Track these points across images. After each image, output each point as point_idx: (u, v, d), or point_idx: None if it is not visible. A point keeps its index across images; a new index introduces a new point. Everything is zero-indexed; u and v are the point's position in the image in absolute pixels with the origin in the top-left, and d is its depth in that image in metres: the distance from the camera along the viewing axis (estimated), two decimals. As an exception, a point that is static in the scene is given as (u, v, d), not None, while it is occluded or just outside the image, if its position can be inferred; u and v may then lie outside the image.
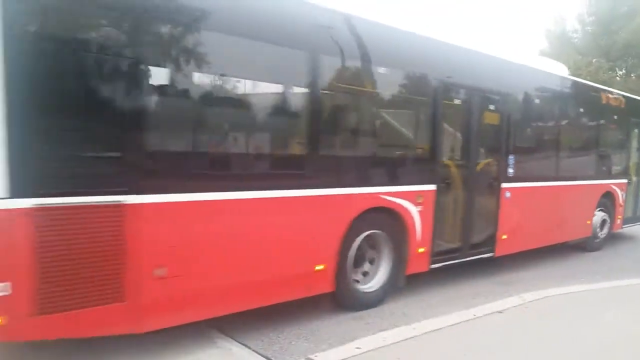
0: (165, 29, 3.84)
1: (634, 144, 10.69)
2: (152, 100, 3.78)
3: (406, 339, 4.53)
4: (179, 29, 3.93)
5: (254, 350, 4.31)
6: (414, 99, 6.06)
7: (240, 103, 4.56)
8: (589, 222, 9.29)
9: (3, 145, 3.07)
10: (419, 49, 5.93)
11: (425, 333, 4.73)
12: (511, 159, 7.17)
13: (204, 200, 4.02)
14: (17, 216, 3.19)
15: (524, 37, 75.51)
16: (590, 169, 9.36)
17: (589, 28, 40.45)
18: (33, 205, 3.23)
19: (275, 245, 4.52)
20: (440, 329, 4.85)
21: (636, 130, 10.74)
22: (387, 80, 5.67)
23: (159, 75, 3.80)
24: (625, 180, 10.23)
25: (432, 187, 6.00)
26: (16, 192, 3.17)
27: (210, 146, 4.29)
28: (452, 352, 4.35)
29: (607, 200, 9.70)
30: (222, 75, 4.28)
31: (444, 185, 6.21)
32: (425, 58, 5.97)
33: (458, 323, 5.01)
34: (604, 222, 9.68)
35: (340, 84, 5.12)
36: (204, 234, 4.04)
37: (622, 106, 10.16)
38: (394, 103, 5.93)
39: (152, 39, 3.72)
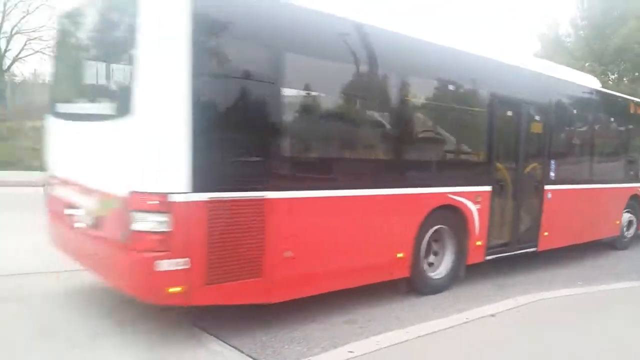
0: (300, 63, 4.92)
1: None
2: (286, 120, 4.84)
3: (399, 343, 4.51)
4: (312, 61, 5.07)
5: (246, 354, 4.24)
6: (478, 112, 6.98)
7: (348, 122, 5.65)
8: (617, 222, 10.04)
9: (188, 153, 4.04)
10: (487, 72, 6.96)
11: (418, 337, 4.69)
12: (552, 163, 8.00)
13: (318, 197, 4.98)
14: (196, 206, 4.07)
15: (517, 39, 75.77)
16: (620, 173, 10.18)
17: (581, 32, 40.78)
18: (207, 198, 4.14)
19: (369, 235, 5.44)
20: (434, 332, 4.85)
21: None
22: (460, 99, 6.76)
23: (292, 102, 4.95)
24: None
25: (489, 188, 6.89)
26: (195, 188, 4.07)
27: (324, 154, 5.38)
28: (443, 357, 4.45)
29: (634, 202, 10.46)
30: (335, 98, 5.49)
31: (498, 186, 7.08)
32: (490, 78, 6.93)
33: (451, 327, 5.01)
34: (630, 222, 10.44)
35: (425, 102, 6.35)
36: (317, 225, 5.00)
37: None
38: (463, 117, 6.92)
39: (290, 72, 4.73)
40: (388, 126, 5.90)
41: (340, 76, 5.32)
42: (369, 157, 5.76)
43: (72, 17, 5.32)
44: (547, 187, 7.87)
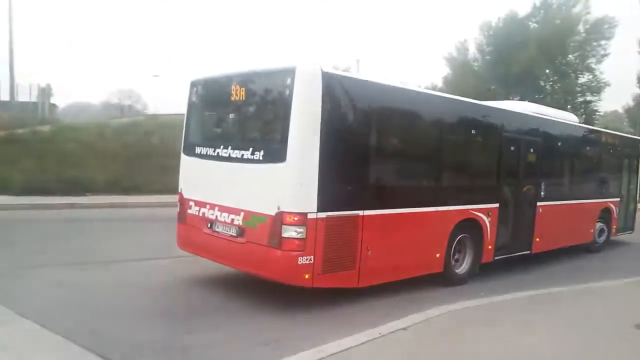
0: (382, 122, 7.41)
1: (626, 172, 14.10)
2: (371, 164, 7.13)
3: None
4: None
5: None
6: (491, 149, 9.46)
7: (408, 162, 7.97)
8: (592, 230, 12.48)
9: (317, 187, 6.15)
10: (501, 120, 9.43)
11: (332, 355, 4.69)
12: (543, 185, 10.35)
13: (389, 213, 7.18)
14: (319, 221, 6.20)
15: (427, 62, 79.43)
16: (594, 191, 12.57)
17: (488, 57, 43.70)
18: (326, 215, 6.27)
19: (419, 239, 7.69)
20: (347, 349, 4.88)
21: (626, 160, 14.19)
22: (481, 142, 9.42)
23: (375, 151, 7.26)
24: (618, 199, 13.44)
25: (497, 204, 9.14)
26: (320, 209, 6.20)
27: (393, 184, 7.61)
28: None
29: (605, 214, 12.93)
30: (400, 147, 7.96)
31: (503, 203, 9.32)
32: (502, 124, 9.39)
33: (364, 342, 5.10)
34: (602, 230, 12.85)
35: (456, 147, 8.78)
36: (387, 232, 7.13)
37: (617, 142, 13.98)
38: (481, 154, 9.46)
39: (375, 130, 7.22)
40: (433, 164, 8.30)
41: (404, 132, 7.92)
42: (421, 185, 8.27)
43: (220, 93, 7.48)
44: (539, 203, 10.24)
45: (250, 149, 6.62)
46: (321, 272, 6.26)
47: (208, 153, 7.25)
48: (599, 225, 12.73)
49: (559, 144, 11.16)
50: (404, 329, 5.63)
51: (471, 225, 8.53)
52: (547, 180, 10.54)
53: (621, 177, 13.84)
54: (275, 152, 6.27)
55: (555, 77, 42.91)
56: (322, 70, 6.16)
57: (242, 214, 6.59)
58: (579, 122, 13.04)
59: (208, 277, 7.92)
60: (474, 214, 8.60)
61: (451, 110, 8.50)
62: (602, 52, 41.25)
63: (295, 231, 6.04)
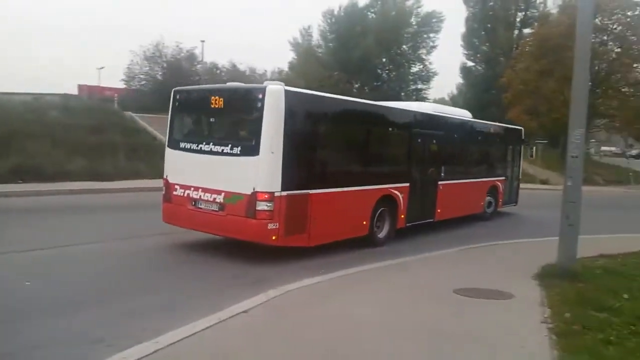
0: (325, 127, 9.81)
1: (510, 156, 17.13)
2: (320, 158, 9.50)
3: (149, 355, 4.37)
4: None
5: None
6: (404, 141, 11.79)
7: (341, 154, 10.42)
8: (482, 203, 15.29)
9: (280, 174, 8.21)
10: (411, 119, 12.04)
11: (170, 345, 4.59)
12: (443, 168, 12.84)
13: (328, 192, 9.28)
14: (282, 198, 8.19)
15: (274, 47, 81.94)
16: (484, 172, 15.48)
17: (330, 44, 45.78)
18: (286, 194, 8.27)
19: (352, 210, 9.82)
20: (186, 337, 4.78)
21: (510, 146, 17.15)
22: (397, 136, 11.81)
23: (321, 148, 9.59)
24: (504, 178, 16.48)
25: (408, 184, 11.49)
26: (282, 189, 8.20)
27: (331, 171, 9.77)
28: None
29: (493, 190, 15.88)
30: (336, 142, 10.28)
31: (413, 183, 11.56)
32: (412, 122, 11.93)
33: (204, 329, 5.02)
34: (490, 203, 15.78)
35: (379, 140, 11.25)
36: (324, 206, 9.08)
37: (502, 132, 17.08)
38: (397, 145, 11.84)
39: (321, 132, 9.54)
40: (360, 154, 10.64)
41: (339, 132, 10.17)
42: (352, 170, 10.32)
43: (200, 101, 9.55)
44: (439, 182, 12.74)
45: (229, 145, 8.60)
46: (284, 235, 8.37)
47: (192, 147, 9.17)
48: (487, 199, 15.65)
49: (455, 135, 13.75)
50: (245, 311, 5.68)
51: (389, 200, 10.80)
52: (446, 164, 13.02)
53: (506, 160, 16.92)
54: (250, 148, 8.32)
55: (391, 66, 45.99)
56: (284, 89, 8.31)
57: (223, 193, 8.57)
58: (472, 118, 15.80)
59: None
60: (391, 191, 10.90)
61: (372, 113, 11.05)
62: (431, 44, 45.39)
63: (266, 205, 8.15)
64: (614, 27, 38.81)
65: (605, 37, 39.06)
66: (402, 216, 11.20)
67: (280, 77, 40.80)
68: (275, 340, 5.05)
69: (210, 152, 8.79)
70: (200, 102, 9.56)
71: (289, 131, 8.23)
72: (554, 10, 45.15)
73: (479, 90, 50.46)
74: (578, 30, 7.85)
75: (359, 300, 6.47)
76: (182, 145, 9.39)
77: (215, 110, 8.98)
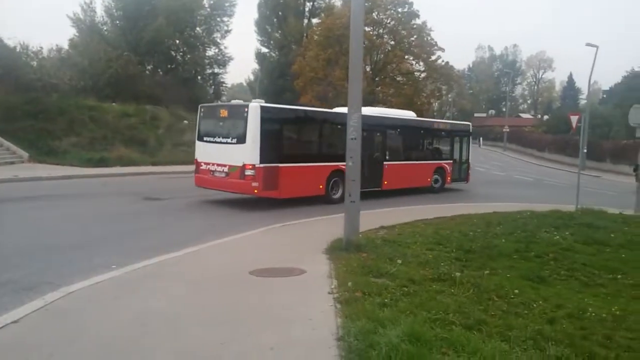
0: (291, 126, 15.97)
1: (457, 144, 21.95)
2: (287, 144, 15.33)
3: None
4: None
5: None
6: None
7: (310, 138, 16.54)
8: (429, 179, 20.30)
9: (259, 153, 13.77)
10: (369, 120, 15.18)
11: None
12: (387, 152, 18.53)
13: (295, 166, 14.95)
14: (261, 168, 13.81)
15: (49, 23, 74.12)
16: (429, 156, 20.73)
17: (117, 22, 42.47)
18: (263, 165, 13.87)
19: (312, 179, 15.34)
20: None
21: (457, 137, 22.02)
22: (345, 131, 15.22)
23: (289, 137, 15.76)
24: (451, 161, 21.32)
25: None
26: (261, 162, 13.79)
27: (299, 152, 15.72)
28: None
29: (440, 170, 20.79)
30: (305, 132, 16.56)
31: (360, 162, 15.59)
32: (368, 121, 13.92)
33: None
34: (437, 180, 20.65)
35: (337, 132, 16.01)
36: (294, 174, 14.80)
37: (448, 127, 22.64)
38: (344, 136, 14.12)
39: (287, 127, 15.57)
40: (317, 143, 16.42)
41: (302, 128, 16.29)
42: (311, 153, 15.95)
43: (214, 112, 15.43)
44: (385, 162, 18.20)
45: (230, 137, 14.28)
46: (262, 190, 13.90)
47: (210, 139, 14.88)
48: (434, 177, 20.54)
49: (398, 130, 19.39)
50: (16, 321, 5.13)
51: (340, 172, 14.80)
52: (390, 150, 18.73)
53: (453, 147, 21.63)
54: (241, 139, 13.90)
55: (185, 49, 44.65)
56: (260, 105, 14.02)
57: (227, 166, 14.13)
58: (415, 117, 21.62)
59: None
60: (341, 167, 14.40)
61: (321, 116, 17.02)
62: (226, 28, 45.17)
63: (250, 172, 13.61)
64: (388, 21, 43.32)
65: (381, 30, 43.37)
66: None
67: (59, 55, 36.62)
68: (50, 351, 4.60)
69: (220, 142, 14.55)
70: (214, 112, 15.48)
71: (263, 129, 13.82)
72: (339, 3, 48.66)
73: (274, 77, 52.09)
74: (352, 22, 8.56)
75: (154, 293, 6.24)
76: (205, 138, 15.15)
77: (222, 118, 14.88)
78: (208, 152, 14.74)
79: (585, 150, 34.35)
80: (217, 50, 45.42)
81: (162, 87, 38.40)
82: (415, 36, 43.22)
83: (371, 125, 16.76)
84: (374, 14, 41.68)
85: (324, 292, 6.25)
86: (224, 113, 14.82)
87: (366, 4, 36.52)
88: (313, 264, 7.71)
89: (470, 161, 22.72)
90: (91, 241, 9.53)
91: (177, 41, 43.95)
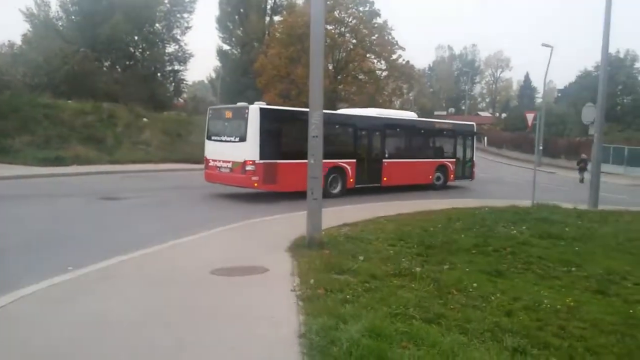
0: (287, 125, 16.80)
1: (461, 144, 22.70)
2: (284, 141, 16.23)
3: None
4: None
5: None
6: (350, 133, 18.58)
7: (303, 139, 12.12)
8: (431, 177, 21.19)
9: (259, 150, 15.17)
10: (365, 120, 19.28)
11: None
12: (386, 150, 19.40)
13: (292, 162, 15.20)
14: (260, 164, 15.22)
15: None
16: (431, 154, 21.54)
17: (73, 17, 41.47)
18: (263, 162, 15.26)
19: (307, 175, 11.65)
20: None
21: (461, 137, 22.75)
22: (357, 129, 18.78)
23: (287, 135, 16.43)
24: (454, 159, 22.23)
25: (354, 160, 18.03)
26: (261, 158, 15.20)
27: (296, 150, 14.04)
28: None
29: (442, 168, 21.73)
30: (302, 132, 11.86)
31: (358, 159, 18.19)
32: (363, 122, 19.21)
33: None
34: (438, 177, 21.56)
35: (340, 132, 18.68)
36: (292, 169, 15.08)
37: (451, 126, 23.29)
38: (343, 135, 18.73)
39: (285, 126, 16.57)
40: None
41: (297, 127, 14.44)
42: (306, 150, 12.32)
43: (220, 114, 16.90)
44: (384, 160, 19.22)
45: (234, 136, 15.75)
46: (262, 183, 15.26)
47: (217, 138, 16.44)
48: (436, 174, 21.38)
49: (398, 129, 20.62)
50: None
51: (339, 169, 17.38)
52: (390, 148, 19.63)
53: (456, 147, 22.43)
54: (243, 137, 15.35)
55: (144, 45, 43.75)
56: (260, 107, 15.47)
57: (231, 162, 15.60)
58: (417, 117, 22.94)
59: None
60: (340, 164, 17.39)
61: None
62: (186, 24, 44.44)
63: (251, 167, 14.98)
64: (350, 20, 43.52)
65: (343, 29, 43.53)
66: (351, 180, 17.77)
67: (12, 51, 35.30)
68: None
69: (225, 141, 16.01)
70: (220, 114, 16.86)
71: (263, 128, 15.16)
72: (300, 1, 48.57)
73: (236, 74, 51.57)
74: (312, 20, 8.55)
75: (106, 295, 6.08)
76: (212, 137, 16.69)
77: (227, 119, 16.31)
78: (215, 150, 16.28)
79: (541, 147, 35.56)
80: (177, 47, 44.65)
81: (121, 84, 37.52)
82: (376, 35, 43.51)
83: (370, 125, 19.01)
84: (335, 12, 41.79)
85: (287, 290, 6.24)
86: (228, 114, 16.23)
87: (328, 2, 36.66)
88: (275, 262, 7.69)
89: (474, 160, 23.37)
90: (45, 243, 9.23)
91: (136, 37, 43.02)
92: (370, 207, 14.48)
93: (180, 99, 49.89)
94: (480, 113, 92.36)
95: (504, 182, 28.60)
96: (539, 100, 75.75)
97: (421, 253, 8.70)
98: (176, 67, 45.17)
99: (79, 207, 13.45)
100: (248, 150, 14.90)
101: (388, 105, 44.73)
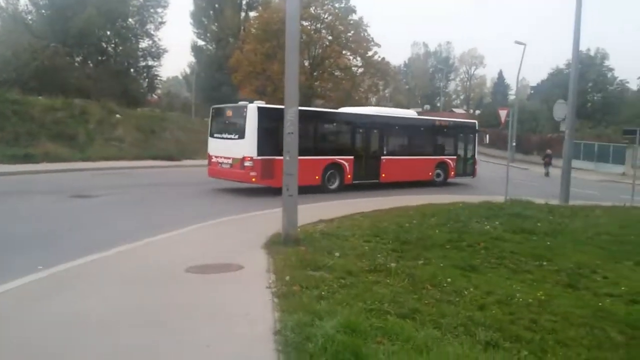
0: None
1: (462, 141, 23.11)
2: (281, 138, 10.11)
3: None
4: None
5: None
6: (349, 130, 19.43)
7: (304, 134, 14.92)
8: (430, 173, 21.67)
9: (257, 147, 15.77)
10: (365, 118, 20.19)
11: None
12: (384, 148, 20.15)
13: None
14: (258, 160, 15.80)
15: None
16: (430, 151, 21.88)
17: (43, 11, 40.23)
18: (261, 158, 15.77)
19: (305, 170, 12.98)
20: None
21: (462, 134, 23.33)
22: (354, 127, 19.58)
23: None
24: (455, 156, 22.65)
25: (352, 157, 18.69)
26: (259, 155, 15.79)
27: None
28: None
29: (443, 164, 22.21)
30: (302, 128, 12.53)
31: (356, 156, 18.86)
32: (364, 119, 20.02)
33: None
34: (438, 174, 22.02)
35: (335, 129, 19.85)
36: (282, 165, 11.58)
37: (452, 124, 23.88)
38: (341, 132, 19.74)
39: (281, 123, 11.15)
40: (314, 138, 17.98)
41: (304, 123, 12.25)
42: (307, 147, 15.21)
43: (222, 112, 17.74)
44: (382, 157, 19.87)
45: (234, 134, 16.44)
46: (260, 178, 15.78)
47: (219, 136, 17.19)
48: (436, 171, 21.83)
49: (396, 127, 21.01)
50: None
51: (336, 165, 18.12)
52: (388, 145, 20.28)
53: (457, 144, 22.81)
54: (242, 135, 15.97)
55: (117, 40, 42.94)
56: (257, 106, 16.04)
57: (231, 159, 16.27)
58: (415, 115, 23.56)
59: None
60: (338, 160, 18.18)
61: (315, 115, 19.44)
62: (160, 19, 43.74)
63: (250, 163, 15.61)
64: (326, 16, 43.49)
65: (319, 25, 43.48)
66: (349, 176, 18.45)
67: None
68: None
69: (226, 138, 16.73)
70: (222, 113, 17.62)
71: (260, 126, 15.67)
72: (276, -3, 48.29)
73: (211, 70, 51.08)
74: (287, 16, 8.52)
75: (79, 297, 5.91)
76: (215, 135, 17.45)
77: (228, 117, 17.24)
78: (217, 147, 17.10)
79: (514, 144, 36.18)
80: (151, 42, 43.87)
81: (93, 79, 36.79)
82: (352, 32, 43.57)
83: (368, 124, 19.72)
84: (311, 8, 41.70)
85: (262, 287, 6.20)
86: (229, 113, 17.18)
87: (303, -1, 36.55)
88: (251, 259, 7.65)
89: (476, 157, 23.68)
90: (14, 241, 8.99)
91: (109, 32, 42.14)
92: (355, 203, 14.69)
93: (154, 95, 49.23)
94: (454, 110, 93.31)
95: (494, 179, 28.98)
96: (512, 97, 76.89)
97: (396, 249, 8.76)
98: (150, 63, 44.46)
99: (49, 205, 13.15)
100: (246, 147, 15.50)
101: (364, 101, 44.90)
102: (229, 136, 16.57)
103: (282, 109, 17.40)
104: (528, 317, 5.84)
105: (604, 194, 22.58)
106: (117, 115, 29.90)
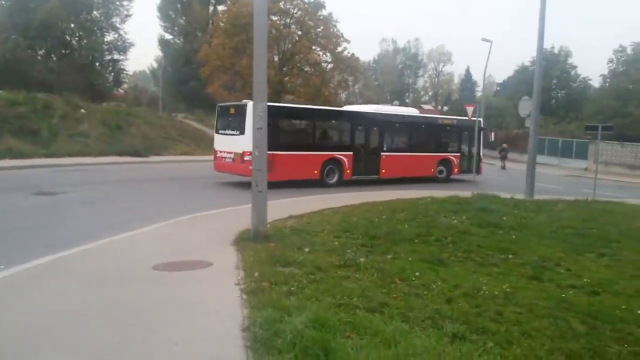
0: (282, 119, 18.78)
1: (466, 139, 23.71)
2: (279, 134, 17.54)
3: None
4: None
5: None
6: (347, 128, 20.26)
7: (302, 131, 19.64)
8: (432, 170, 22.39)
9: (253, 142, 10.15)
10: (365, 115, 21.22)
11: None
12: (384, 144, 21.03)
13: (289, 153, 17.66)
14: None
15: None
16: (432, 148, 22.55)
17: (3, 2, 39.75)
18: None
19: (303, 165, 18.25)
20: None
21: (465, 132, 23.77)
22: (355, 123, 20.55)
23: (282, 128, 18.42)
24: (459, 154, 23.26)
25: (351, 152, 19.70)
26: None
27: (292, 142, 18.46)
28: None
29: (445, 162, 22.84)
30: (296, 126, 19.66)
31: (355, 152, 19.81)
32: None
33: None
34: (441, 170, 22.71)
35: (333, 126, 20.71)
36: (284, 161, 17.00)
37: (455, 122, 24.26)
38: (340, 130, 20.52)
39: (279, 120, 17.95)
40: (312, 135, 19.22)
41: (291, 122, 19.30)
42: (305, 143, 18.88)
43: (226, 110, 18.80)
44: (382, 153, 20.73)
45: (235, 130, 17.44)
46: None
47: (223, 132, 18.51)
48: (439, 168, 22.51)
49: (397, 125, 21.73)
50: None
51: (335, 160, 19.12)
52: (387, 142, 21.14)
53: (460, 141, 23.53)
54: (242, 131, 16.67)
55: (81, 33, 41.96)
56: None
57: (233, 153, 17.36)
58: (417, 113, 24.31)
59: None
60: (336, 155, 19.19)
61: (317, 112, 20.07)
62: (125, 12, 42.94)
63: (249, 157, 14.62)
64: (295, 11, 43.29)
65: (288, 20, 43.26)
66: (348, 171, 19.39)
67: None
68: None
69: (229, 134, 17.80)
70: (226, 110, 18.58)
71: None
72: (245, -10, 47.82)
73: (178, 65, 50.37)
74: (255, 10, 8.44)
75: (43, 296, 5.83)
76: (220, 131, 18.67)
77: (231, 114, 18.11)
78: (221, 143, 18.37)
79: (492, 140, 36.79)
80: (116, 35, 43.14)
81: (56, 73, 35.97)
82: (321, 27, 43.49)
83: (368, 121, 20.67)
84: (280, 3, 41.47)
85: (231, 284, 6.16)
86: (231, 111, 18.24)
87: (273, -7, 36.32)
88: (220, 256, 7.58)
89: (481, 154, 24.09)
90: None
91: (72, 25, 41.21)
92: (333, 198, 14.83)
93: (120, 90, 48.31)
94: (423, 106, 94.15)
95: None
96: (479, 94, 78.19)
97: (366, 244, 8.81)
98: (116, 57, 43.72)
99: (12, 203, 12.75)
100: (246, 142, 15.71)
101: (334, 97, 44.93)
102: (232, 132, 17.63)
103: (280, 107, 18.86)
104: (494, 309, 5.94)
105: (568, 189, 23.17)
106: (82, 110, 29.24)
